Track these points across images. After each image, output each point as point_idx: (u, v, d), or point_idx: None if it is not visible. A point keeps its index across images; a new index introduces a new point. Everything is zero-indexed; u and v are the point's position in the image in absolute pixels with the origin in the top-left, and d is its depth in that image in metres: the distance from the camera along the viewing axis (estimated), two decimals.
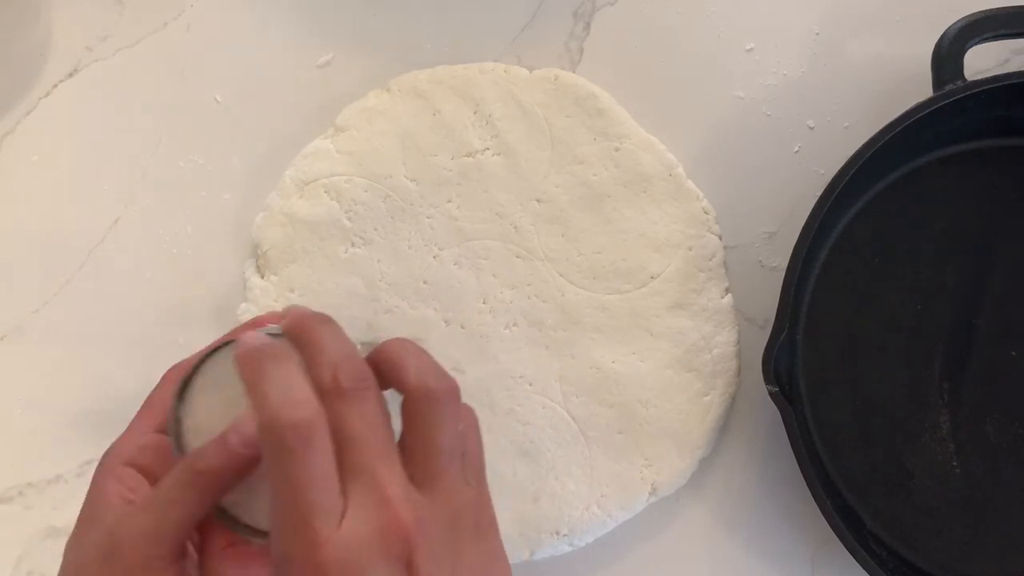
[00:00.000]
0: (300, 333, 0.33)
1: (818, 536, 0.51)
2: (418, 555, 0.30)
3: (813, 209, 0.47)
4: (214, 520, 0.33)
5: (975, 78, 0.48)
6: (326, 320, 0.34)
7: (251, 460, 0.32)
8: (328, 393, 0.31)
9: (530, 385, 0.50)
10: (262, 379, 0.31)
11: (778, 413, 0.46)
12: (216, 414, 0.34)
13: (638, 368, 0.50)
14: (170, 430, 0.34)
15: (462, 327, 0.50)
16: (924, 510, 0.49)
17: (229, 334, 0.38)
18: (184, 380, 0.34)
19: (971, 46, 0.48)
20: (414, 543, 0.30)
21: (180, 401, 0.34)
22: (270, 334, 0.34)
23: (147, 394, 0.39)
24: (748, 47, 0.54)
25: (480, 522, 0.33)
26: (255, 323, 0.39)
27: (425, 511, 0.30)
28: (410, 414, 0.32)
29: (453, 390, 0.33)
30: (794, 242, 0.47)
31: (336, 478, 0.30)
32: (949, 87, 0.47)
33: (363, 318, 0.50)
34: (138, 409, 0.38)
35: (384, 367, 0.33)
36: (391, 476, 0.30)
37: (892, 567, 0.47)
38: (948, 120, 0.48)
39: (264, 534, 0.33)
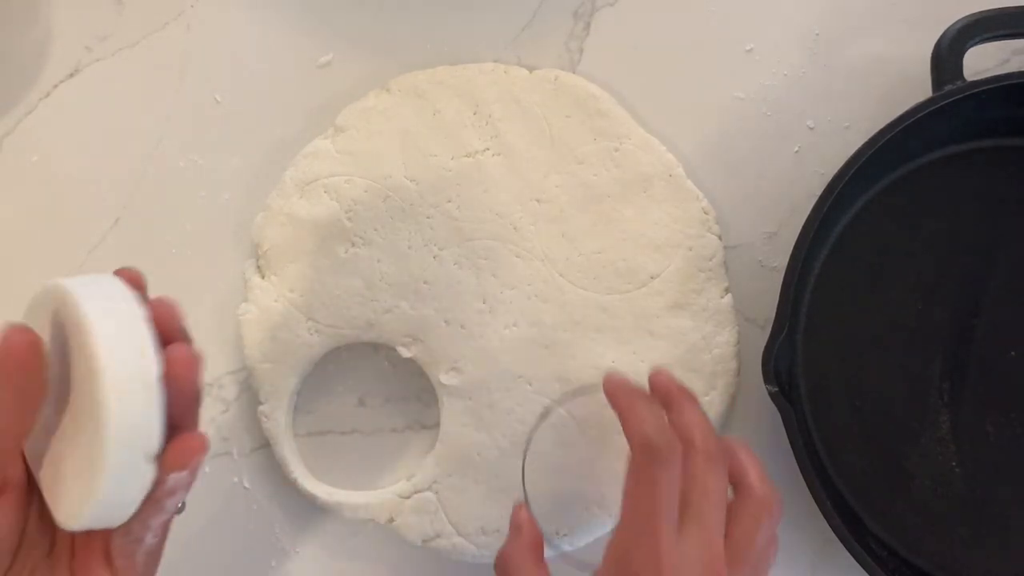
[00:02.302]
0: (667, 398, 0.42)
1: (818, 536, 0.51)
2: None
3: (813, 209, 0.47)
4: None
5: (975, 78, 0.48)
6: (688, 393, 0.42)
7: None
8: (691, 447, 0.39)
9: (530, 385, 0.50)
10: (637, 407, 0.40)
11: (778, 413, 0.46)
12: None
13: (638, 368, 0.50)
14: None
15: (462, 327, 0.50)
16: (924, 510, 0.49)
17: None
18: None
19: (971, 46, 0.48)
20: None
21: None
22: None
23: None
24: (748, 47, 0.54)
25: None
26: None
27: None
28: (742, 511, 0.39)
29: (781, 503, 0.40)
30: (794, 242, 0.47)
31: (678, 504, 0.37)
32: (949, 87, 0.47)
33: (363, 318, 0.50)
34: None
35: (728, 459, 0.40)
36: (720, 534, 0.38)
37: (892, 567, 0.47)
38: (948, 120, 0.48)
39: None
